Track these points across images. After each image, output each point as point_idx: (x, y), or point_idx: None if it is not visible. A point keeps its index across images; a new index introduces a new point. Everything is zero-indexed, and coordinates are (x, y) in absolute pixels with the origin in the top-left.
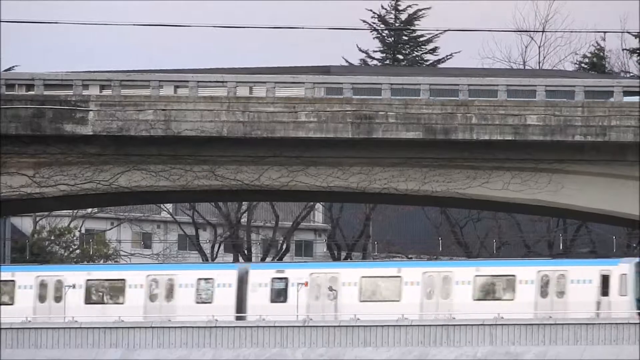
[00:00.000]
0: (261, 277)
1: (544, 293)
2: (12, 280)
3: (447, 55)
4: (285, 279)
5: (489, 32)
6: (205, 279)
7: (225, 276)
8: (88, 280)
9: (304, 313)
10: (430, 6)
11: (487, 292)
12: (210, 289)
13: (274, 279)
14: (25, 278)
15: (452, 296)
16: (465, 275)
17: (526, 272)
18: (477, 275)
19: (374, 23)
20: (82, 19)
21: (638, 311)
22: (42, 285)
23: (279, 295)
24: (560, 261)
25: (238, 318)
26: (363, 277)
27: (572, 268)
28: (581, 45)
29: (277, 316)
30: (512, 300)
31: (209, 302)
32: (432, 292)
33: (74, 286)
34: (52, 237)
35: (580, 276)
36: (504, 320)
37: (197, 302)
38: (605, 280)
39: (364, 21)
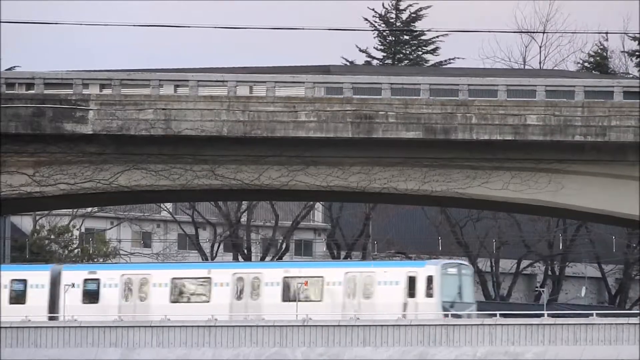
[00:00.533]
0: (74, 278)
1: (351, 294)
2: (321, 277)
3: (449, 59)
4: (97, 280)
5: (490, 32)
6: (18, 280)
7: (38, 277)
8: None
9: (116, 314)
10: (430, 5)
11: (296, 294)
12: (24, 289)
13: (86, 280)
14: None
15: (262, 297)
16: (274, 277)
17: (334, 274)
18: (286, 277)
19: (375, 22)
20: (82, 19)
21: (444, 312)
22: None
23: (91, 296)
24: (368, 263)
25: (51, 318)
26: (174, 278)
27: (379, 270)
28: (584, 43)
29: (89, 317)
30: (320, 301)
31: (23, 303)
32: (241, 294)
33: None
34: (52, 236)
35: (387, 278)
36: (503, 320)
37: (11, 303)
38: (412, 281)
39: (366, 19)
